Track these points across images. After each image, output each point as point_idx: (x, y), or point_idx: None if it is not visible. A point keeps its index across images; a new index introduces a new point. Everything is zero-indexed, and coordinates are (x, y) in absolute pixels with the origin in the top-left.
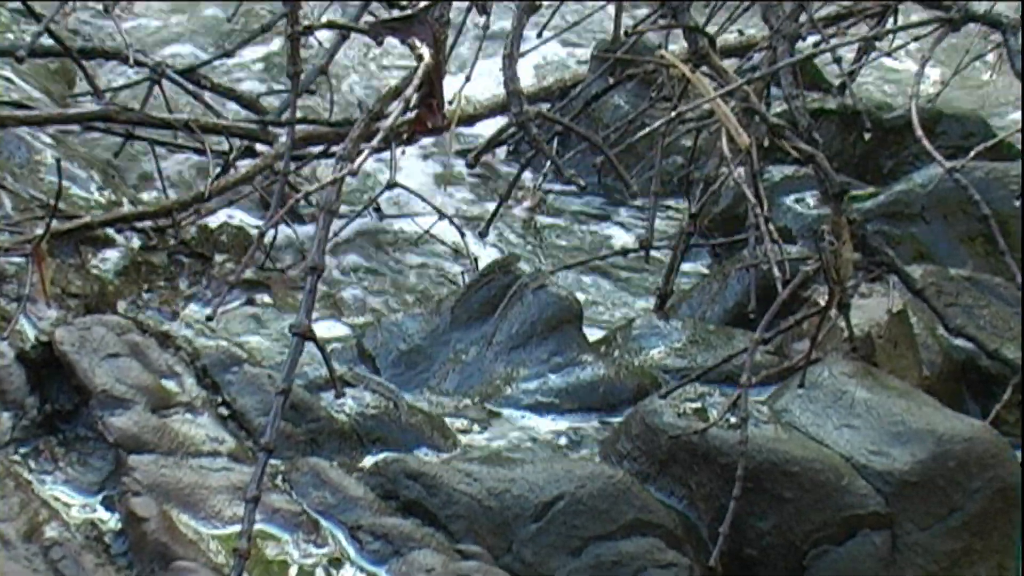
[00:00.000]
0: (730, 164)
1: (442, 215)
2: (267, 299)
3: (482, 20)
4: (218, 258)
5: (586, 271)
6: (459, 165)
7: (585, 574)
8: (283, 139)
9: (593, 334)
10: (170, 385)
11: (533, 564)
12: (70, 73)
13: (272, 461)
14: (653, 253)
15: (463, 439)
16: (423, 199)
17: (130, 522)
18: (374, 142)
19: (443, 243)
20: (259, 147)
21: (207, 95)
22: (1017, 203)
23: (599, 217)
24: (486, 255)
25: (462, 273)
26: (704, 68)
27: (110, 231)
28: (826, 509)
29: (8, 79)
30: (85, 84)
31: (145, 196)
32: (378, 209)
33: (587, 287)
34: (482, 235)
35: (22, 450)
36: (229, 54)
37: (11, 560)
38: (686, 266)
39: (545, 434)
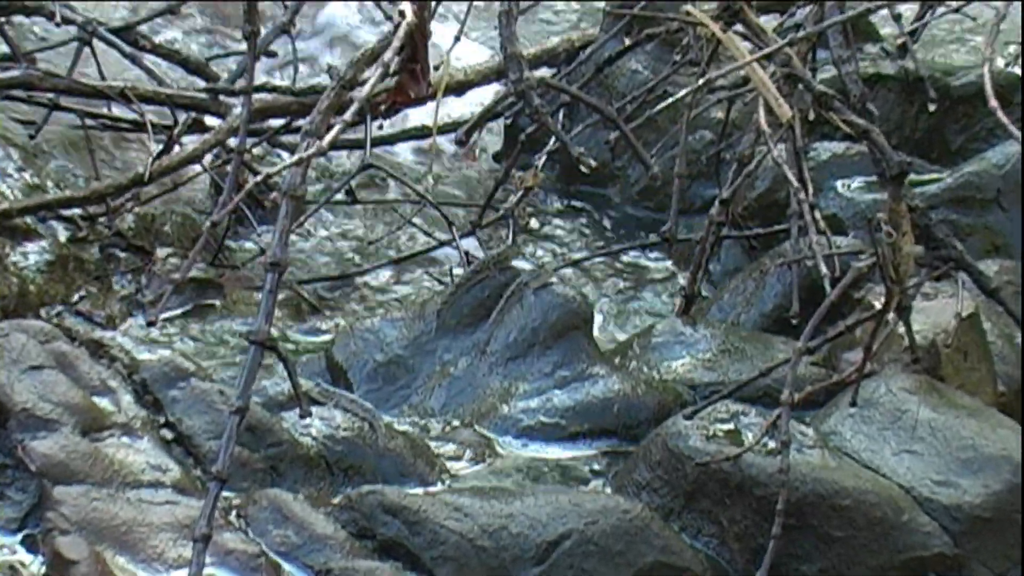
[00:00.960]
0: (769, 141)
1: (426, 201)
2: (219, 301)
3: None
4: (160, 252)
5: (598, 268)
6: (446, 143)
7: None
8: (237, 110)
9: (606, 342)
10: (103, 403)
11: None
12: None
13: (225, 493)
14: (677, 246)
15: (452, 467)
16: (404, 183)
17: (56, 565)
18: (347, 115)
19: (427, 235)
20: (209, 120)
21: (147, 58)
22: None
23: (613, 204)
24: (478, 249)
25: (450, 270)
26: (738, 27)
27: (31, 220)
28: (883, 550)
29: None
30: (2, 45)
31: (74, 179)
32: (350, 193)
33: (599, 287)
34: (474, 226)
35: None
36: (173, 10)
37: None
38: (716, 262)
39: (549, 461)
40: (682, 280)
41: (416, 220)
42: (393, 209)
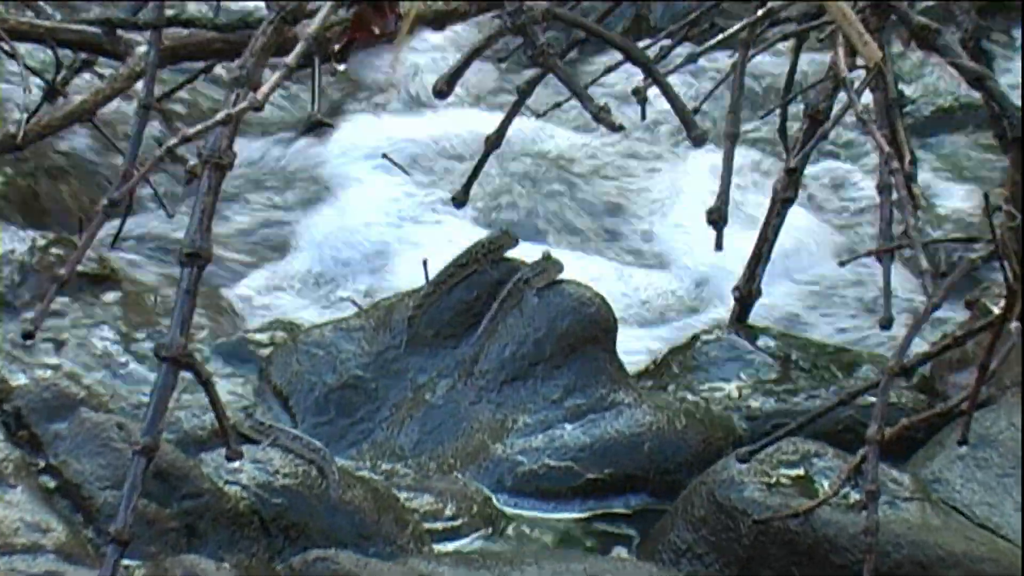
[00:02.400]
0: (850, 90)
1: (395, 165)
2: (118, 305)
3: None
4: (41, 239)
5: (622, 259)
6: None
7: None
8: (143, 50)
9: (633, 360)
10: None
11: None
12: None
13: (127, 560)
14: (729, 230)
15: (428, 526)
16: (387, 156)
17: None
18: (290, 58)
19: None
20: (105, 62)
21: None
22: None
23: (641, 171)
24: (465, 233)
25: (424, 263)
26: None
27: None
28: None
29: None
30: None
31: None
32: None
33: (625, 284)
34: (458, 203)
35: None
36: None
37: None
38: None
39: (557, 518)
40: (735, 274)
41: None
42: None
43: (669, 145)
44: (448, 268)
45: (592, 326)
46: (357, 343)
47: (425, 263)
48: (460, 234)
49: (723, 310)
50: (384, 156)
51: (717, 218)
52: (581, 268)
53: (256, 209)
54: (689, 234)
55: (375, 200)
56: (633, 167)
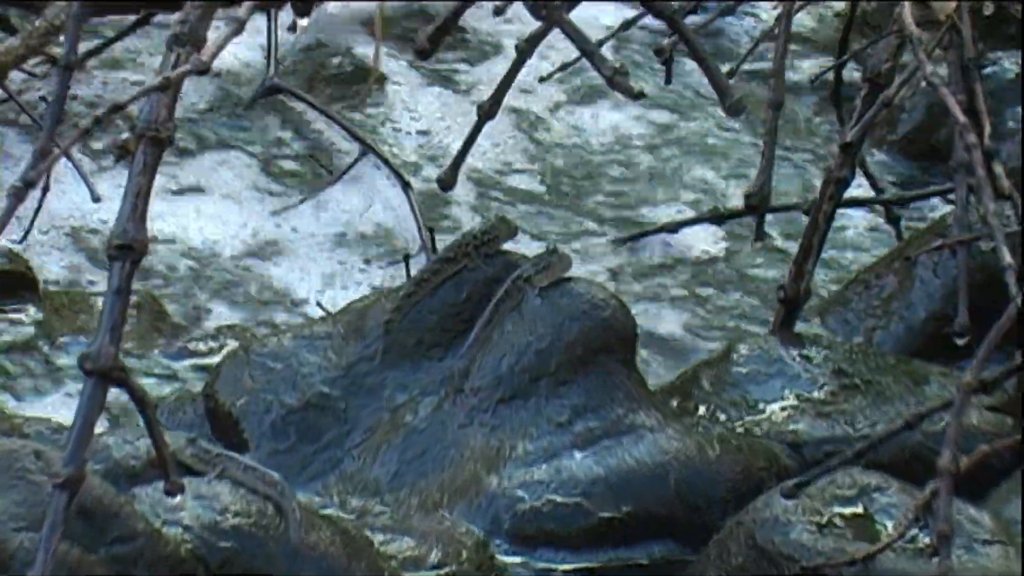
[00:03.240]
0: (919, 50)
1: (366, 146)
2: (34, 308)
3: None
4: None
5: (642, 254)
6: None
7: None
8: (64, 2)
9: (656, 374)
10: None
11: None
12: None
13: None
14: (772, 218)
15: None
16: (334, 119)
17: None
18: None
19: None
20: (19, 15)
21: None
22: None
23: (664, 151)
24: (453, 222)
25: (405, 257)
26: None
27: None
28: None
29: None
30: None
31: None
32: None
33: (645, 284)
34: (445, 185)
35: None
36: None
37: None
38: (836, 245)
39: (565, 568)
40: (779, 273)
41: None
42: (313, 159)
43: (697, 119)
44: (433, 264)
45: (606, 333)
46: (323, 354)
47: (407, 258)
48: (451, 227)
49: (765, 314)
50: (276, 89)
51: (757, 203)
52: (593, 264)
53: (202, 194)
54: (723, 223)
55: (345, 190)
56: (656, 146)
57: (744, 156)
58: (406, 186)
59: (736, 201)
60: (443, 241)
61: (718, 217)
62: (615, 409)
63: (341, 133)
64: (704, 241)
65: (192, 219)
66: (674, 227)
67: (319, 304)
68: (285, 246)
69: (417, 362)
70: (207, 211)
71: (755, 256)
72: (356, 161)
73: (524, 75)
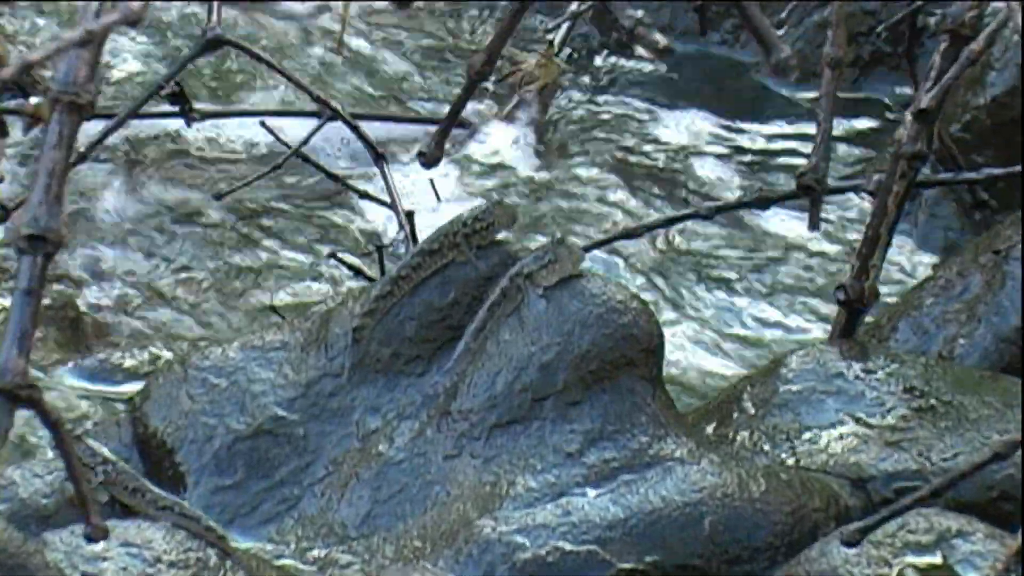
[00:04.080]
0: None
1: (328, 108)
2: None
3: None
4: None
5: (670, 246)
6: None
7: None
8: None
9: (686, 393)
10: None
11: None
12: None
13: None
14: (830, 206)
15: None
16: (289, 77)
17: None
18: None
19: (333, 177)
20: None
21: None
22: None
23: (695, 123)
24: (436, 209)
25: (378, 248)
26: None
27: None
28: None
29: None
30: None
31: None
32: (182, 106)
33: (671, 283)
34: (427, 161)
35: None
36: None
37: None
38: (906, 233)
39: None
40: (838, 268)
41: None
42: (267, 130)
43: (738, 85)
44: (413, 257)
45: (626, 343)
46: (277, 368)
47: (379, 250)
48: (436, 214)
49: (821, 319)
50: (220, 41)
51: (813, 183)
52: (609, 258)
53: (128, 169)
54: (768, 207)
55: (306, 165)
56: (684, 118)
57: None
58: (379, 158)
59: (779, 182)
60: (426, 230)
61: (763, 201)
62: (637, 436)
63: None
64: (745, 230)
65: (116, 200)
66: (710, 213)
67: (272, 307)
68: (230, 235)
69: (393, 379)
70: (134, 191)
71: (809, 247)
72: (319, 127)
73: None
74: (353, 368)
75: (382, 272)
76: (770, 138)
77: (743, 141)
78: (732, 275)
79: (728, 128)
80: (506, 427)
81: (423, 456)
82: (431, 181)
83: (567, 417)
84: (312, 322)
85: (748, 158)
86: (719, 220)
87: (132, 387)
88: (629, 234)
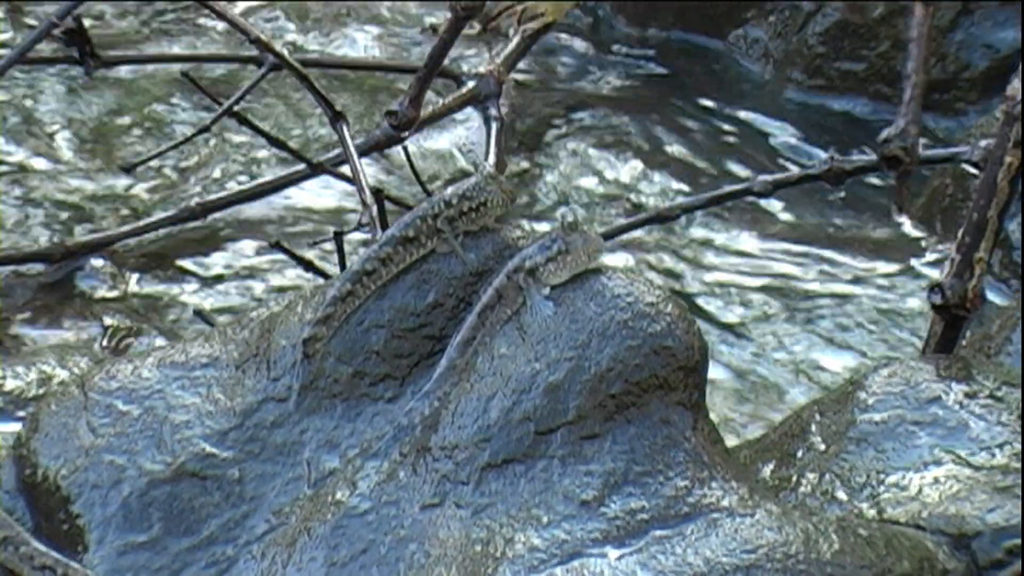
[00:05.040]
0: None
1: (271, 52)
2: None
3: None
4: None
5: (712, 233)
6: None
7: None
8: None
9: (737, 420)
10: None
11: None
12: None
13: None
14: (912, 181)
15: None
16: (227, 17)
17: None
18: None
19: (273, 141)
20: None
21: None
22: None
23: (739, 77)
24: (411, 186)
25: (336, 235)
26: None
27: None
28: None
29: None
30: None
31: None
32: (81, 49)
33: (714, 280)
34: (397, 123)
35: None
36: None
37: None
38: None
39: None
40: (926, 263)
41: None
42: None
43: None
44: (382, 248)
45: (659, 359)
46: (205, 392)
47: (337, 237)
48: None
49: (908, 327)
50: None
51: (900, 152)
52: (635, 249)
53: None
54: (841, 184)
55: (245, 129)
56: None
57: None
58: (337, 118)
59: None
60: (398, 212)
61: (837, 176)
62: (672, 480)
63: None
64: (807, 212)
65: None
66: (766, 189)
67: (199, 312)
68: (142, 217)
69: (355, 405)
70: (28, 163)
71: (892, 236)
72: (260, 78)
73: None
74: (303, 391)
75: (342, 266)
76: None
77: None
78: (788, 270)
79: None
80: (502, 468)
81: (394, 506)
82: (405, 150)
83: (581, 455)
84: (250, 331)
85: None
86: (776, 201)
87: (16, 416)
88: (663, 216)
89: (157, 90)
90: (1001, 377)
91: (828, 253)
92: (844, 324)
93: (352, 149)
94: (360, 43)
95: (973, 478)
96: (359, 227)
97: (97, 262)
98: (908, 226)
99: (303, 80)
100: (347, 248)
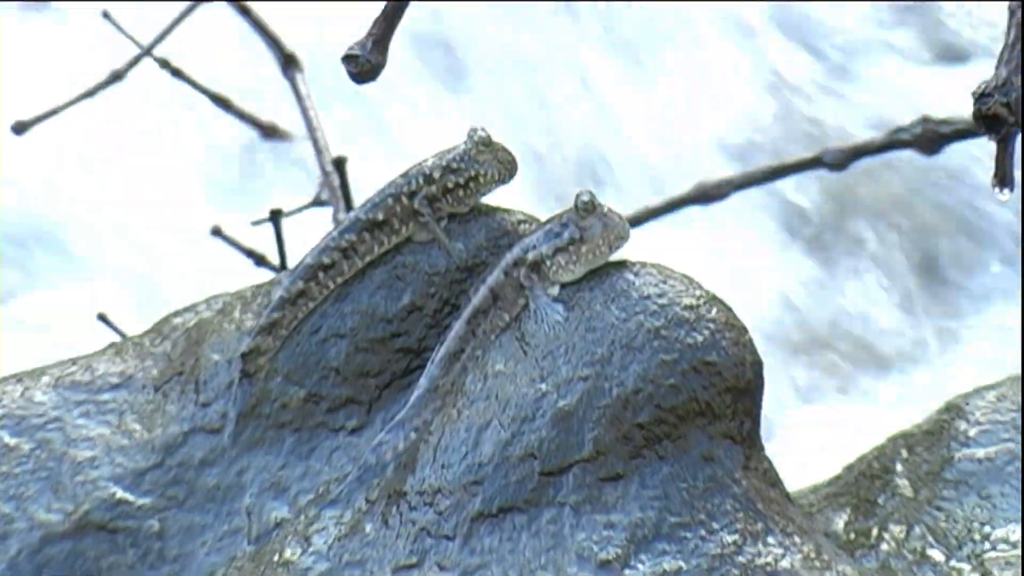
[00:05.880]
0: None
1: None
2: None
3: None
4: None
5: (758, 218)
6: None
7: None
8: None
9: (801, 463)
10: None
11: None
12: None
13: None
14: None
15: None
16: None
17: None
18: None
19: (208, 93)
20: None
21: None
22: None
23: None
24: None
25: (274, 215)
26: None
27: None
28: None
29: None
30: None
31: None
32: None
33: (767, 273)
34: (359, 71)
35: None
36: None
37: None
38: None
39: None
40: None
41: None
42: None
43: None
44: (344, 235)
45: (700, 377)
46: (116, 421)
47: (275, 217)
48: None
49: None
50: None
51: (1001, 110)
52: (676, 239)
53: None
54: (937, 151)
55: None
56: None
57: None
58: (288, 63)
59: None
60: (366, 187)
61: (930, 142)
62: (718, 533)
63: None
64: (884, 189)
65: None
66: (839, 161)
67: (103, 317)
68: (40, 190)
69: (309, 438)
70: None
71: (991, 217)
72: (189, 11)
73: None
74: (242, 420)
75: (282, 260)
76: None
77: None
78: (860, 264)
79: None
80: (498, 518)
81: (359, 567)
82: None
83: (601, 501)
84: (173, 342)
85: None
86: (849, 176)
87: None
88: (708, 195)
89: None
90: None
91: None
92: (935, 329)
93: (308, 102)
94: None
95: None
96: (315, 204)
97: None
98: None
99: (245, 15)
100: (298, 234)
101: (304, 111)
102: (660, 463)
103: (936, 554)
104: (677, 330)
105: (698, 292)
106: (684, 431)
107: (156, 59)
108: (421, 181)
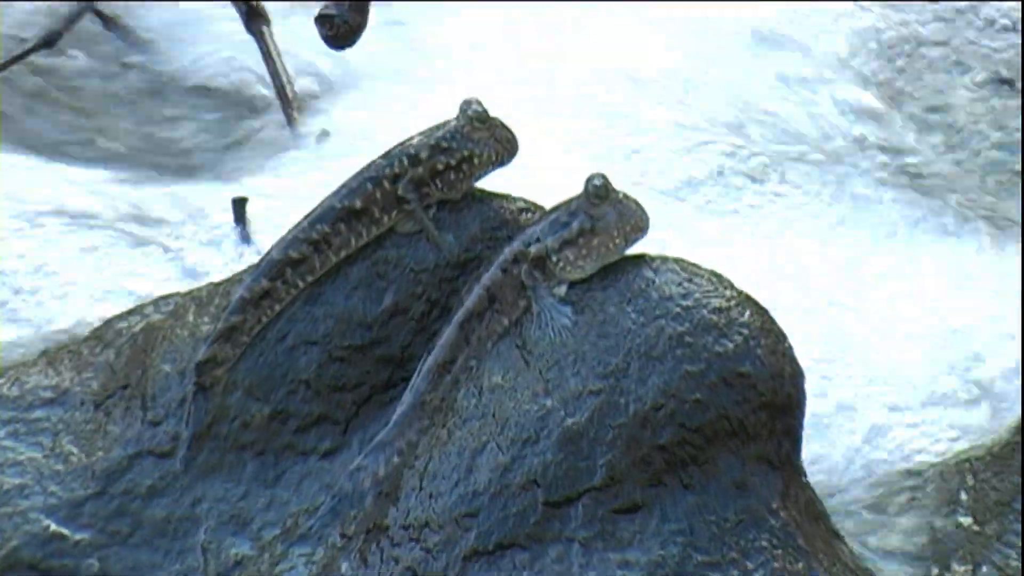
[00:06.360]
0: None
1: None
2: None
3: None
4: None
5: (817, 212)
6: None
7: None
8: None
9: (845, 489)
10: None
11: None
12: None
13: None
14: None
15: None
16: None
17: None
18: None
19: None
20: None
21: None
22: None
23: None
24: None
25: (237, 205)
26: None
27: None
28: None
29: None
30: None
31: None
32: None
33: (828, 283)
34: (334, 33)
35: None
36: None
37: None
38: None
39: None
40: None
41: None
42: None
43: None
44: (316, 225)
45: (731, 391)
46: (49, 443)
47: (238, 205)
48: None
49: None
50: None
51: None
52: (708, 230)
53: None
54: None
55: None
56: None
57: None
58: (253, 18)
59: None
60: (347, 167)
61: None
62: (752, 573)
63: None
64: (947, 169)
65: None
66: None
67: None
68: None
69: (274, 462)
70: None
71: None
72: None
73: None
74: (196, 441)
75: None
76: None
77: None
78: (905, 265)
79: None
80: (495, 556)
81: None
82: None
83: (615, 537)
84: (117, 351)
85: None
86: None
87: None
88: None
89: None
90: None
91: None
92: (994, 331)
93: (279, 62)
94: None
95: None
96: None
97: None
98: None
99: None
100: (262, 224)
101: (273, 74)
102: (684, 492)
103: None
104: (704, 336)
105: (728, 292)
106: (712, 454)
107: (98, 13)
108: (406, 163)
